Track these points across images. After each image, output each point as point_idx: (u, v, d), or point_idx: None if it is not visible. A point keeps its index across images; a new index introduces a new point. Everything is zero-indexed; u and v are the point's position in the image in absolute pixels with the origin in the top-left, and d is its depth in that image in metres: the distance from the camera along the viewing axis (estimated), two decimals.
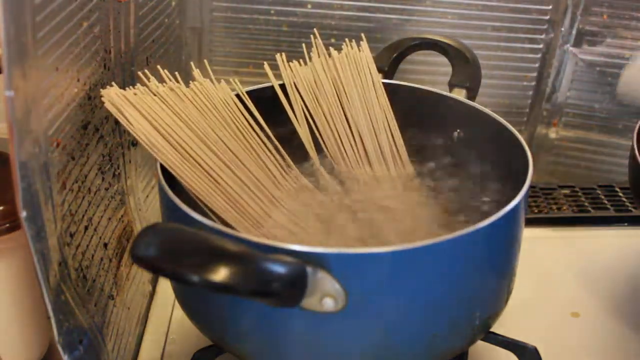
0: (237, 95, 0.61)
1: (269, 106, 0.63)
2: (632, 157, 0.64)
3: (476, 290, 0.50)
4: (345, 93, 0.65)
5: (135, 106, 0.53)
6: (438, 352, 0.51)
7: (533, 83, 0.87)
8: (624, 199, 0.86)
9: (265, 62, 0.66)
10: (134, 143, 0.65)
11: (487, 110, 0.62)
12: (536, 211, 0.84)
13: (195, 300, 0.53)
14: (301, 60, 0.66)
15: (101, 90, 0.54)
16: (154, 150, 0.52)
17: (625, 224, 0.83)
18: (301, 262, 0.43)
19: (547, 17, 0.84)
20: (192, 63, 0.63)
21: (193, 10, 0.82)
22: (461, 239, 0.46)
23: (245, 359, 0.52)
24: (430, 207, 0.61)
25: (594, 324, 0.68)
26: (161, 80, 0.57)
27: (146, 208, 0.69)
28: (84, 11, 0.51)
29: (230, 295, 0.41)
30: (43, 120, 0.45)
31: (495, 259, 0.51)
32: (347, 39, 0.67)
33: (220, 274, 0.39)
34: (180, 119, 0.55)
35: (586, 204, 0.85)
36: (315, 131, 0.64)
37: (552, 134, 0.91)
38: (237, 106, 0.60)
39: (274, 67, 0.65)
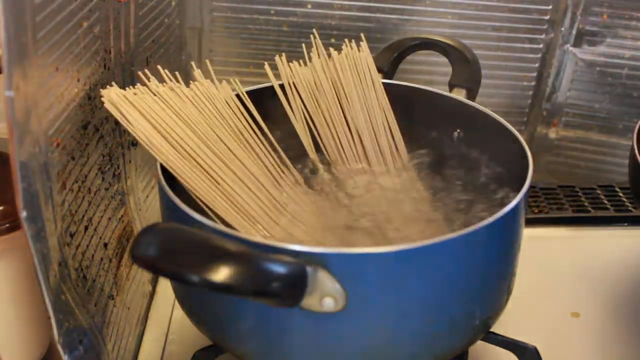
0: (237, 95, 0.61)
1: (269, 106, 0.63)
2: (632, 157, 0.64)
3: (476, 290, 0.50)
4: (345, 93, 0.65)
5: (135, 106, 0.53)
6: (438, 352, 0.51)
7: (533, 83, 0.87)
8: (624, 199, 0.86)
9: (265, 63, 0.66)
10: (134, 143, 0.65)
11: (487, 110, 0.62)
12: (536, 211, 0.84)
13: (195, 300, 0.53)
14: (301, 61, 0.66)
15: (101, 90, 0.54)
16: (154, 150, 0.52)
17: (625, 224, 0.83)
18: (301, 262, 0.43)
19: (547, 17, 0.84)
20: (192, 63, 0.63)
21: (193, 10, 0.82)
22: (461, 239, 0.46)
23: (245, 359, 0.52)
24: (430, 207, 0.61)
25: (594, 324, 0.68)
26: (161, 80, 0.57)
27: (146, 208, 0.69)
28: (84, 11, 0.51)
29: (230, 295, 0.41)
30: (43, 120, 0.45)
31: (495, 259, 0.51)
32: (347, 39, 0.67)
33: (220, 274, 0.39)
34: (180, 119, 0.55)
35: (586, 204, 0.85)
36: (314, 131, 0.64)
37: (552, 134, 0.91)
38: (237, 106, 0.60)
39: (275, 67, 0.65)
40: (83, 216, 0.53)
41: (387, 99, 0.66)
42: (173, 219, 0.50)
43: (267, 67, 0.65)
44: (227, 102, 0.60)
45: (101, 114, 0.56)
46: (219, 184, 0.54)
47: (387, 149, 0.65)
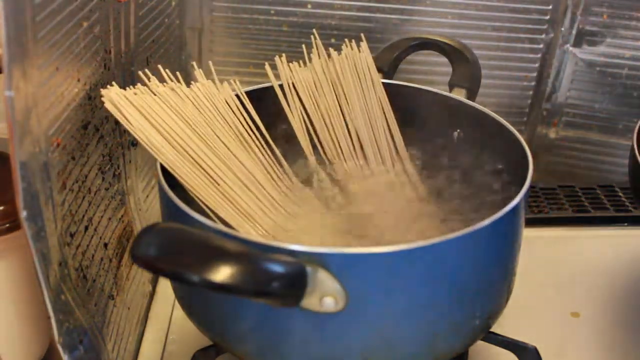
0: (237, 96, 0.61)
1: (269, 106, 0.63)
2: (632, 157, 0.64)
3: (476, 291, 0.50)
4: (345, 94, 0.65)
5: (135, 106, 0.53)
6: (438, 352, 0.51)
7: (533, 83, 0.87)
8: (624, 199, 0.86)
9: (266, 63, 0.66)
10: (134, 143, 0.65)
11: (487, 110, 0.62)
12: (536, 211, 0.84)
13: (195, 300, 0.53)
14: (301, 62, 0.66)
15: (101, 90, 0.54)
16: (154, 150, 0.52)
17: (625, 224, 0.83)
18: (301, 262, 0.43)
19: (547, 17, 0.84)
20: (194, 64, 0.63)
21: (193, 10, 0.82)
22: (461, 239, 0.46)
23: (245, 359, 0.52)
24: (430, 207, 0.61)
25: (594, 324, 0.68)
26: (161, 80, 0.57)
27: (146, 208, 0.69)
28: (84, 11, 0.51)
29: (230, 295, 0.41)
30: (43, 120, 0.45)
31: (495, 259, 0.51)
32: (347, 40, 0.67)
33: (220, 274, 0.39)
34: (181, 119, 0.55)
35: (586, 204, 0.85)
36: (312, 132, 0.64)
37: (552, 134, 0.91)
38: (237, 107, 0.60)
39: (275, 67, 0.65)
40: (83, 216, 0.53)
41: (387, 99, 0.66)
42: (173, 219, 0.50)
43: (267, 67, 0.65)
44: (227, 103, 0.60)
45: (101, 114, 0.56)
46: (218, 184, 0.54)
47: (387, 149, 0.65)
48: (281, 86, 0.65)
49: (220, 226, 0.48)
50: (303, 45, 0.67)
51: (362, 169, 0.65)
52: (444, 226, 0.58)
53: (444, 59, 0.71)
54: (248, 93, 0.62)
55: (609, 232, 0.82)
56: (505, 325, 0.58)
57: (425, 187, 0.63)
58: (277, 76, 0.65)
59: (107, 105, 0.53)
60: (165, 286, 0.70)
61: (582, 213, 0.84)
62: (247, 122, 0.60)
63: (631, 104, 0.87)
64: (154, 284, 0.71)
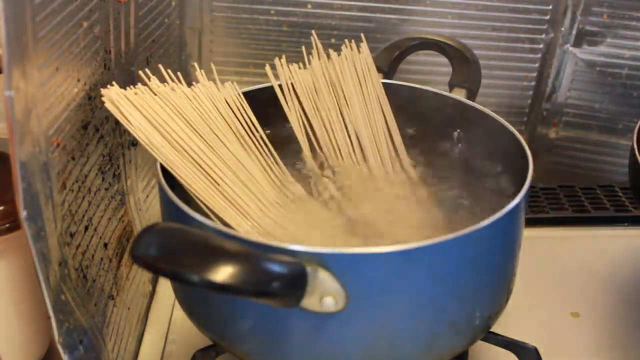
0: (237, 96, 0.61)
1: (269, 106, 0.63)
2: (632, 157, 0.64)
3: (476, 290, 0.50)
4: (344, 95, 0.65)
5: (135, 106, 0.53)
6: (438, 352, 0.51)
7: (533, 83, 0.87)
8: (624, 199, 0.86)
9: (267, 64, 0.66)
10: (134, 143, 0.65)
11: (487, 110, 0.62)
12: (536, 211, 0.84)
13: (195, 300, 0.53)
14: (301, 63, 0.66)
15: (101, 89, 0.54)
16: (154, 150, 0.52)
17: (625, 224, 0.83)
18: (301, 262, 0.43)
19: (547, 17, 0.84)
20: (195, 64, 0.63)
21: (193, 10, 0.82)
22: (461, 239, 0.46)
23: (245, 359, 0.52)
24: (430, 207, 0.61)
25: (594, 324, 0.68)
26: (162, 80, 0.57)
27: (146, 208, 0.69)
28: (84, 11, 0.51)
29: (230, 295, 0.41)
30: (43, 120, 0.45)
31: (495, 259, 0.51)
32: (346, 40, 0.67)
33: (220, 274, 0.39)
34: (181, 119, 0.55)
35: (586, 204, 0.85)
36: (310, 133, 0.64)
37: (552, 134, 0.91)
38: (237, 107, 0.60)
39: (275, 67, 0.65)
40: (83, 216, 0.53)
41: (386, 99, 0.66)
42: (173, 219, 0.50)
43: (267, 68, 0.65)
44: (227, 103, 0.60)
45: (101, 114, 0.56)
46: (218, 184, 0.54)
47: (386, 149, 0.65)
48: (281, 86, 0.65)
49: (220, 226, 0.48)
50: (303, 47, 0.67)
51: (361, 169, 0.65)
52: (443, 226, 0.58)
53: (444, 59, 0.71)
54: (248, 93, 0.62)
55: (609, 232, 0.82)
56: (505, 325, 0.58)
57: (425, 187, 0.63)
58: (278, 77, 0.65)
59: (107, 105, 0.53)
60: (165, 286, 0.70)
61: (582, 213, 0.84)
62: (247, 123, 0.60)
63: (631, 104, 0.87)
64: (154, 284, 0.71)
